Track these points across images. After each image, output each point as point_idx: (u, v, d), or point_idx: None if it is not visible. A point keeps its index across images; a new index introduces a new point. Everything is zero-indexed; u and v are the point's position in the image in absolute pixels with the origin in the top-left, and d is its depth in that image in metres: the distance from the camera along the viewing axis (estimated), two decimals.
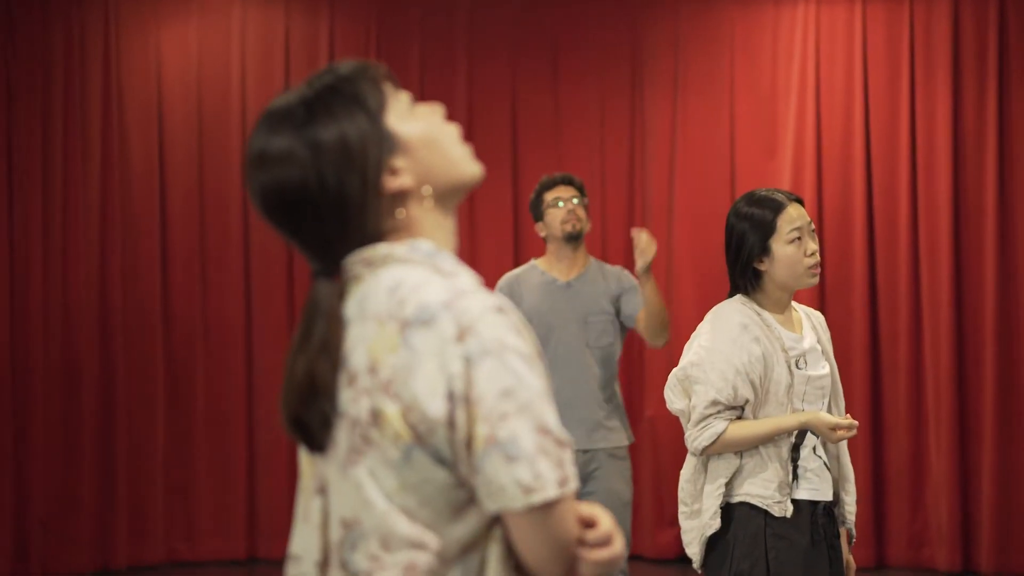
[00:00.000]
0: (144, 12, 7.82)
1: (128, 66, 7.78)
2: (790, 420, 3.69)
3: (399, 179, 1.87)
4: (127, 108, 7.76)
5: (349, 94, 1.88)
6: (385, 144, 1.86)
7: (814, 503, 3.74)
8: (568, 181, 5.52)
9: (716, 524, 3.70)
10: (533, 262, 5.58)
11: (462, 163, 1.93)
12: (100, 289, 7.63)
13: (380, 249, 1.87)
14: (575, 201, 5.44)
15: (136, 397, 7.67)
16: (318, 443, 1.86)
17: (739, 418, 3.71)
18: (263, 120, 1.90)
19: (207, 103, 7.88)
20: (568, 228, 5.42)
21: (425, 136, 1.90)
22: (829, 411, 3.84)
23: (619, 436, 5.38)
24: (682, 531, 3.84)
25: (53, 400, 7.50)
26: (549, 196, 5.48)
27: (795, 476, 3.72)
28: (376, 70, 1.93)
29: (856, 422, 3.71)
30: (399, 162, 1.88)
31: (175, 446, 7.75)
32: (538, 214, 5.53)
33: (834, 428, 3.66)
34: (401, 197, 1.88)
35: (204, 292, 7.85)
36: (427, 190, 1.89)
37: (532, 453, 1.73)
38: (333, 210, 1.85)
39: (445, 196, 1.92)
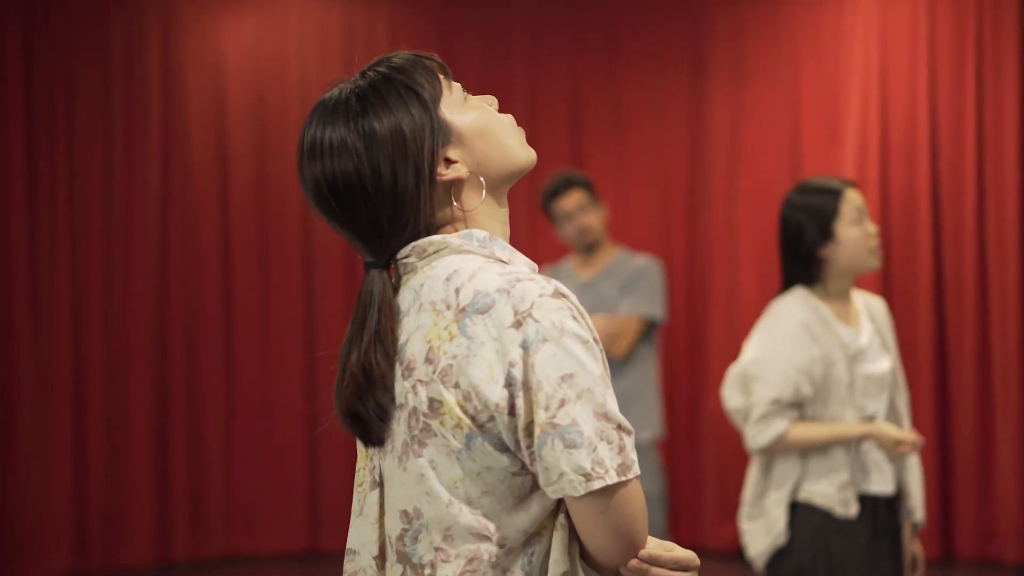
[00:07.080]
0: (203, 8, 7.85)
1: (188, 62, 7.80)
2: (854, 430, 3.68)
3: (453, 169, 1.87)
4: (187, 104, 7.78)
5: (403, 84, 1.88)
6: (439, 135, 1.87)
7: (875, 497, 3.73)
8: (571, 185, 5.34)
9: (786, 534, 3.68)
10: (566, 262, 5.52)
11: (515, 150, 1.93)
12: (160, 285, 7.67)
13: (434, 239, 1.86)
14: (585, 210, 5.31)
15: (195, 390, 7.71)
16: (375, 436, 1.86)
17: (801, 417, 3.69)
18: (316, 111, 1.92)
19: (267, 98, 7.89)
20: (583, 242, 5.34)
21: (479, 126, 1.90)
22: (892, 405, 3.83)
23: (640, 430, 5.28)
24: (742, 531, 3.81)
25: (112, 394, 7.54)
26: (557, 209, 5.34)
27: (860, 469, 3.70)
28: (430, 61, 1.93)
29: (921, 438, 3.72)
30: (453, 153, 1.88)
31: (234, 439, 7.78)
32: (552, 221, 5.43)
33: (898, 443, 3.65)
34: (455, 187, 1.88)
35: (264, 286, 7.87)
36: (481, 180, 1.89)
37: (592, 439, 1.73)
38: (387, 201, 1.84)
39: (499, 184, 1.92)
